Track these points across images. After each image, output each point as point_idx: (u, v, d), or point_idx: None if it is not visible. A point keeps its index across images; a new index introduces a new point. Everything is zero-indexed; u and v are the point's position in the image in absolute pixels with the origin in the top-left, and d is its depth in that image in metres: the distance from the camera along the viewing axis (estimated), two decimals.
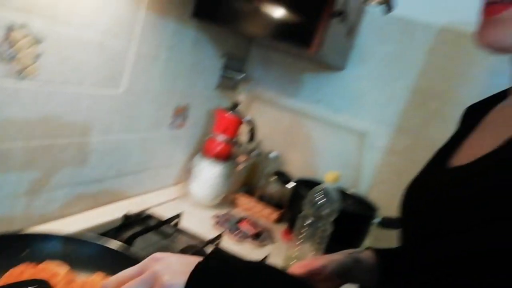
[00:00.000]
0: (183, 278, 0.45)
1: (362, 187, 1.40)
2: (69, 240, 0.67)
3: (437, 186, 0.49)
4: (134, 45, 0.92)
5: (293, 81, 1.47)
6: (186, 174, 1.30)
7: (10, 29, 0.65)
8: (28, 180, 0.79)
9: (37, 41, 0.70)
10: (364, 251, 0.81)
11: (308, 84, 1.46)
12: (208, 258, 0.51)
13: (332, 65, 1.36)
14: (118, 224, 0.94)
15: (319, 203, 0.98)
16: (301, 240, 1.01)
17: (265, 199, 1.37)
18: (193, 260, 0.47)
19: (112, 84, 0.91)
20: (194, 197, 1.26)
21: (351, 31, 1.27)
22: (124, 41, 0.89)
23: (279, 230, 1.26)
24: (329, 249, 1.03)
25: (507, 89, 0.57)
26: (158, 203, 1.15)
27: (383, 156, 1.39)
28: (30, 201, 0.81)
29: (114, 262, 0.67)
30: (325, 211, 0.98)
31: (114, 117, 0.95)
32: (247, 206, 1.35)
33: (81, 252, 0.67)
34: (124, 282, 0.48)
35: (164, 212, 1.07)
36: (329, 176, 0.99)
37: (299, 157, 1.49)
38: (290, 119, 1.48)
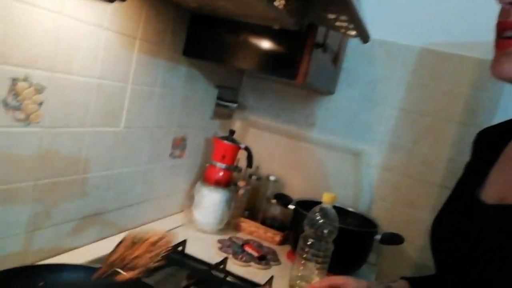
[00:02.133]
0: None
1: (362, 205, 1.43)
2: (82, 269, 0.69)
3: (475, 221, 0.54)
4: (130, 85, 0.98)
5: (286, 108, 1.53)
6: (189, 201, 1.33)
7: (14, 81, 0.70)
8: (36, 216, 0.82)
9: (39, 90, 0.75)
10: (397, 281, 0.83)
11: (300, 109, 1.51)
12: None
13: (321, 90, 1.42)
14: None
15: (318, 223, 1.01)
16: (304, 260, 1.03)
17: (267, 222, 1.40)
18: None
19: (112, 122, 0.96)
20: (198, 224, 1.29)
21: (336, 58, 1.34)
22: (120, 83, 0.95)
23: (283, 251, 1.29)
24: (333, 268, 1.05)
25: None
26: (166, 229, 1.18)
27: (379, 173, 1.43)
28: (39, 236, 0.84)
29: None
30: (325, 231, 1.01)
31: (115, 153, 1.00)
32: (250, 229, 1.37)
33: (92, 283, 0.70)
34: None
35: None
36: (326, 197, 1.02)
37: (298, 179, 1.53)
38: (286, 143, 1.53)
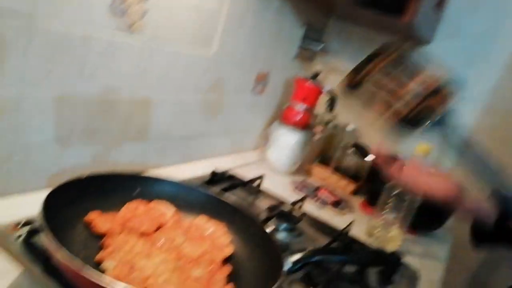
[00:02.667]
0: None
1: (446, 165, 1.34)
2: (175, 184, 0.70)
3: None
4: (225, 7, 0.93)
5: None
6: (264, 140, 1.31)
7: None
8: (132, 129, 0.83)
9: None
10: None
11: None
12: None
13: (420, 37, 1.30)
14: (206, 180, 0.97)
15: None
16: (386, 210, 0.99)
17: (340, 171, 1.36)
18: None
19: (205, 44, 0.93)
20: (271, 163, 1.27)
21: (441, 2, 1.20)
22: (216, 4, 0.90)
23: (356, 201, 1.25)
24: (414, 222, 1.00)
25: None
26: (238, 165, 1.17)
27: (468, 135, 1.31)
28: (130, 150, 0.86)
29: (215, 207, 0.70)
30: None
31: (205, 78, 0.98)
32: (322, 176, 1.34)
33: (186, 196, 0.70)
34: None
35: (244, 174, 1.08)
36: (420, 148, 0.95)
37: (375, 132, 1.45)
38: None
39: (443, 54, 1.31)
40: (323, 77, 1.47)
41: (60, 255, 0.41)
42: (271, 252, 0.57)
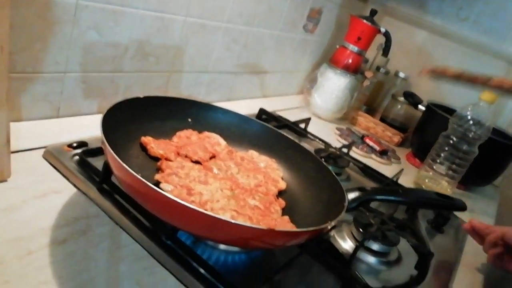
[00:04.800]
0: None
1: (502, 120, 1.25)
2: (228, 113, 0.67)
3: None
4: None
5: None
6: (310, 83, 1.25)
7: None
8: (182, 57, 0.80)
9: None
10: None
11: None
12: None
13: None
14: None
15: (469, 122, 0.88)
16: (438, 161, 0.94)
17: (387, 121, 1.30)
18: None
19: None
20: (316, 108, 1.22)
21: None
22: None
23: (403, 152, 1.20)
24: (464, 175, 0.95)
25: None
26: (282, 108, 1.13)
27: None
28: (180, 81, 0.83)
29: (266, 142, 0.67)
30: (476, 132, 0.88)
31: (257, 9, 0.92)
32: (367, 125, 1.29)
33: (237, 128, 0.67)
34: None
35: (289, 117, 1.04)
36: (486, 95, 0.88)
37: (428, 81, 1.36)
38: (425, 38, 1.34)
39: None
40: (377, 19, 1.37)
41: (123, 172, 0.40)
42: (330, 187, 0.55)
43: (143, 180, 0.38)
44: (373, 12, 1.16)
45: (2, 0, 0.42)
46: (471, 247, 0.77)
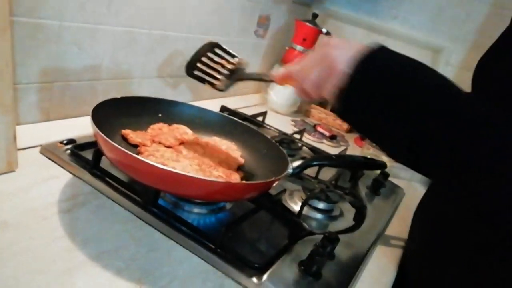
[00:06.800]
0: (351, 53, 0.47)
1: None
2: (192, 107, 0.80)
3: None
4: None
5: None
6: (265, 83, 1.40)
7: None
8: (152, 64, 0.93)
9: None
10: None
11: (385, 0, 1.47)
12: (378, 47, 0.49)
13: None
14: None
15: None
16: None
17: None
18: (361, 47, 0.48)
19: None
20: (273, 104, 1.37)
21: None
22: None
23: (351, 137, 1.36)
24: None
25: None
26: (242, 106, 1.27)
27: (458, 73, 1.40)
28: (149, 85, 0.96)
29: (226, 128, 0.80)
30: None
31: (213, 20, 1.06)
32: (319, 116, 1.45)
33: (201, 119, 0.80)
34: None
35: (248, 113, 1.19)
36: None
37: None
38: (364, 35, 1.52)
39: None
40: (321, 22, 1.54)
41: (115, 150, 0.52)
42: (278, 159, 0.69)
43: (133, 154, 0.50)
44: (315, 16, 1.32)
45: (4, 25, 0.54)
46: (404, 205, 0.94)
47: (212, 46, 0.72)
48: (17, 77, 0.66)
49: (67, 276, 0.44)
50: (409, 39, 1.44)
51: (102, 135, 0.53)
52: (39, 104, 0.72)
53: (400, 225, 0.84)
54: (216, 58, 0.72)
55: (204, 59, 0.71)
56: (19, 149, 0.64)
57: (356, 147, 1.28)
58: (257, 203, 0.66)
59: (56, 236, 0.49)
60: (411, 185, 1.09)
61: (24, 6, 0.63)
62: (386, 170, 0.96)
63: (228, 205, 0.67)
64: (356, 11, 1.51)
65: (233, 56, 0.72)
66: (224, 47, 0.72)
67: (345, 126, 1.41)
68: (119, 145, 0.65)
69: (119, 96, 0.68)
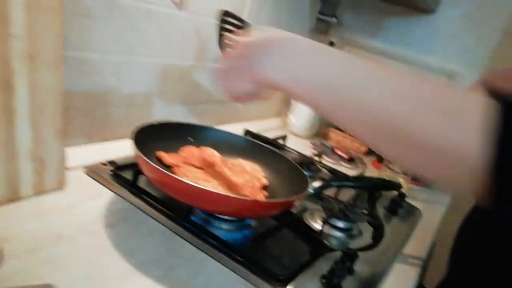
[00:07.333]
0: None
1: None
2: (219, 132, 0.86)
3: None
4: None
5: (383, 26, 1.55)
6: (285, 107, 1.47)
7: None
8: (181, 92, 1.00)
9: None
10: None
11: (397, 28, 1.53)
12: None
13: (425, 7, 1.42)
14: None
15: None
16: (393, 166, 1.14)
17: None
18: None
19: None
20: (292, 127, 1.43)
21: None
22: None
23: (369, 160, 1.40)
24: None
25: None
26: (263, 129, 1.33)
27: None
28: (177, 112, 1.03)
29: (250, 151, 0.86)
30: None
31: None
32: (337, 138, 1.50)
33: (227, 142, 0.87)
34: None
35: (269, 135, 1.25)
36: None
37: None
38: (379, 61, 1.58)
39: (447, 21, 1.44)
40: (339, 49, 1.61)
41: (153, 170, 0.59)
42: (299, 180, 0.74)
43: (169, 173, 0.57)
44: (331, 44, 1.39)
45: (59, 59, 0.61)
46: (421, 225, 0.97)
47: (225, 15, 0.76)
48: (65, 104, 0.74)
49: (116, 282, 0.50)
50: (422, 64, 1.49)
51: (144, 157, 0.59)
52: (81, 129, 0.79)
53: (417, 244, 0.88)
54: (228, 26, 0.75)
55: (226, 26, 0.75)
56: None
57: (374, 170, 1.32)
58: (279, 221, 0.71)
59: (104, 248, 0.55)
60: (429, 207, 1.12)
61: (71, 43, 0.71)
62: (403, 191, 1.00)
63: (253, 223, 0.72)
64: (371, 38, 1.58)
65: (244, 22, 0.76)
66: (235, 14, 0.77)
67: (363, 148, 1.46)
68: (156, 163, 0.72)
69: (156, 122, 0.75)
